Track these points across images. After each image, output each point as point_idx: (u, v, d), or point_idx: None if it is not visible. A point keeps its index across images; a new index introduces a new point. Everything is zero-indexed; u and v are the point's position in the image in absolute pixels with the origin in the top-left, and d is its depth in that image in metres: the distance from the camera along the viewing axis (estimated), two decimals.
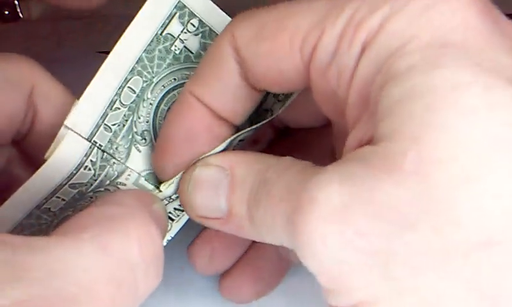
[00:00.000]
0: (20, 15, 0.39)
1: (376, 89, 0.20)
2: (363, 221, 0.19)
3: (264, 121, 0.26)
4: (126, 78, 0.25)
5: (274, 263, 0.31)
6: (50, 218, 0.26)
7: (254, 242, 0.31)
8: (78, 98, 0.24)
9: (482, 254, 0.18)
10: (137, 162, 0.26)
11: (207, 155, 0.25)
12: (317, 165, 0.22)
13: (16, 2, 0.39)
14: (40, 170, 0.23)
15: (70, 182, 0.25)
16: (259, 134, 0.29)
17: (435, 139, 0.18)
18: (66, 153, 0.24)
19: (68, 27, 0.42)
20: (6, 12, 0.38)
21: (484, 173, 0.18)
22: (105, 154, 0.25)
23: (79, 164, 0.24)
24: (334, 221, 0.19)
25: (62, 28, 0.42)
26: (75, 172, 0.24)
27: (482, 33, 0.19)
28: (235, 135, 0.25)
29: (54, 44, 0.43)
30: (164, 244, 0.27)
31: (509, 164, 0.18)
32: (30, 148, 0.28)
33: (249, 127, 0.25)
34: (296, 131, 0.30)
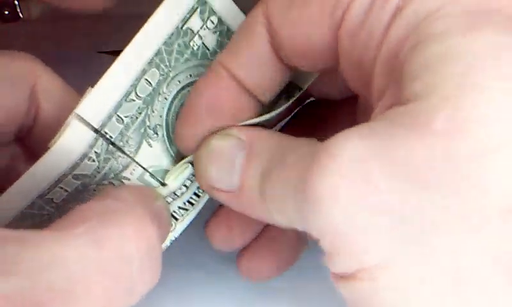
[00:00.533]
0: (20, 15, 0.39)
1: (408, 49, 0.19)
2: (381, 177, 0.18)
3: (288, 103, 0.26)
4: (144, 69, 0.25)
5: (292, 238, 0.30)
6: (52, 209, 0.25)
7: None
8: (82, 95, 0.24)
9: (503, 223, 0.17)
10: (146, 157, 0.26)
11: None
12: None
13: (16, 2, 0.39)
14: (43, 157, 0.23)
15: (73, 173, 0.24)
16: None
17: (472, 100, 0.18)
18: (71, 142, 0.24)
19: (68, 27, 0.42)
20: (6, 12, 0.38)
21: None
22: (110, 146, 0.25)
23: (83, 154, 0.24)
24: (348, 175, 0.19)
25: (62, 28, 0.42)
26: (79, 162, 0.24)
27: None
28: (259, 119, 0.25)
29: (54, 44, 0.43)
30: (168, 244, 0.27)
31: None
32: (33, 145, 0.28)
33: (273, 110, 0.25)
34: (318, 103, 0.30)
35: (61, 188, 0.25)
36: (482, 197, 0.18)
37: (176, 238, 0.27)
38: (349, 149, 0.19)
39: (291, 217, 0.22)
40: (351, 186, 0.19)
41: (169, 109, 0.26)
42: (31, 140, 0.28)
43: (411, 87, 0.19)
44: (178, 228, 0.27)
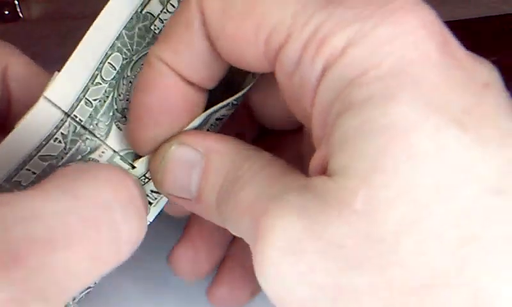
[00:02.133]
0: (20, 15, 0.39)
1: (333, 117, 0.20)
2: (314, 257, 0.19)
3: (238, 95, 0.25)
4: (106, 53, 0.25)
5: None
6: None
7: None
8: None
9: (425, 296, 0.18)
10: (116, 140, 0.26)
11: (185, 129, 0.25)
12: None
13: (16, 2, 0.39)
14: (8, 137, 0.23)
15: (39, 154, 0.24)
16: (244, 128, 0.29)
17: (384, 181, 0.19)
18: (36, 122, 0.24)
19: (68, 27, 0.42)
20: (6, 12, 0.38)
21: (426, 217, 0.18)
22: (78, 128, 0.25)
23: (48, 135, 0.24)
24: (289, 253, 0.20)
25: (62, 28, 0.42)
26: (44, 143, 0.24)
27: (439, 68, 0.19)
28: (212, 110, 0.25)
29: (54, 44, 0.43)
30: (151, 220, 0.27)
31: (450, 208, 0.18)
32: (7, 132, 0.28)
33: (225, 101, 0.25)
34: (274, 132, 0.30)
35: (29, 170, 0.25)
36: (400, 274, 0.18)
37: (151, 223, 0.27)
38: (289, 229, 0.20)
39: (246, 238, 0.22)
40: (291, 263, 0.20)
41: None
42: (6, 127, 0.27)
43: (334, 161, 0.20)
44: (152, 212, 0.27)
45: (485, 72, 0.20)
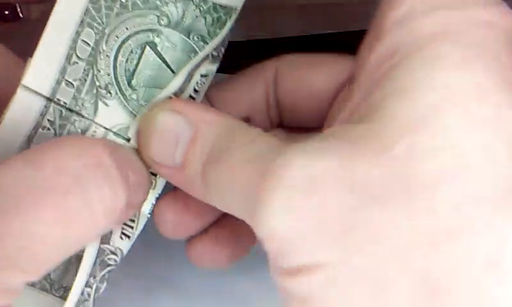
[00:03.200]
0: (20, 15, 0.39)
1: (392, 63, 0.21)
2: (332, 193, 0.19)
3: (217, 43, 0.26)
4: (77, 31, 0.25)
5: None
6: None
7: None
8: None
9: (447, 243, 0.19)
10: (106, 117, 0.26)
11: (170, 84, 0.25)
12: None
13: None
14: None
15: (31, 145, 0.24)
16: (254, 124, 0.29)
17: (432, 132, 0.19)
18: (20, 114, 0.24)
19: None
20: (6, 12, 0.38)
21: (467, 173, 0.19)
22: (64, 112, 0.25)
23: (35, 125, 0.24)
24: (302, 189, 0.20)
25: None
26: (33, 133, 0.24)
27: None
28: (193, 62, 0.25)
29: None
30: (153, 201, 0.27)
31: (493, 172, 0.19)
32: None
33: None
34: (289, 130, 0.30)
35: None
36: (430, 218, 0.19)
37: (160, 195, 0.27)
38: (305, 167, 0.20)
39: (233, 208, 0.22)
40: (304, 199, 0.20)
41: (114, 66, 0.26)
42: None
43: (380, 108, 0.20)
44: (159, 184, 0.27)
45: None
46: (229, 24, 0.26)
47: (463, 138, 0.19)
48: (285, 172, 0.20)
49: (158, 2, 0.25)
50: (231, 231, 0.29)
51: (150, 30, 0.26)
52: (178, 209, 0.28)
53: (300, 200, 0.20)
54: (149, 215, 0.27)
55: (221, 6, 0.26)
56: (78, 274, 0.25)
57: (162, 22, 0.26)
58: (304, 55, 0.28)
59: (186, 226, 0.28)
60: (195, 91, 0.26)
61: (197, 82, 0.26)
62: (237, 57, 0.40)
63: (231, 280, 0.33)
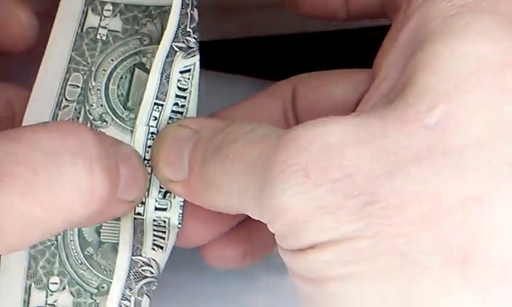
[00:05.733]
0: None
1: (424, 35, 0.21)
2: (356, 162, 0.19)
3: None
4: (65, 78, 0.26)
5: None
6: None
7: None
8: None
9: (467, 215, 0.18)
10: None
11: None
12: None
13: None
14: None
15: None
16: None
17: (466, 103, 0.19)
18: None
19: None
20: None
21: (499, 145, 0.19)
22: None
23: None
24: (319, 159, 0.19)
25: None
26: None
27: None
28: (158, 61, 0.25)
29: None
30: (180, 212, 0.26)
31: None
32: None
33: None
34: None
35: None
36: (457, 187, 0.19)
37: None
38: (323, 134, 0.20)
39: (236, 201, 0.22)
40: (322, 170, 0.19)
41: (106, 96, 0.26)
42: None
43: (410, 82, 0.20)
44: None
45: None
46: (172, 18, 0.26)
47: (494, 108, 0.19)
48: (299, 142, 0.20)
49: (137, 27, 0.27)
50: (246, 233, 0.29)
51: (135, 53, 0.27)
52: (193, 219, 0.27)
53: (317, 172, 0.19)
54: (179, 226, 0.26)
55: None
56: (112, 285, 0.25)
57: (145, 42, 0.27)
58: (321, 73, 0.28)
59: (201, 234, 0.28)
60: (182, 89, 0.26)
61: (179, 80, 0.26)
62: (236, 55, 0.40)
63: (230, 283, 0.32)
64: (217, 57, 0.37)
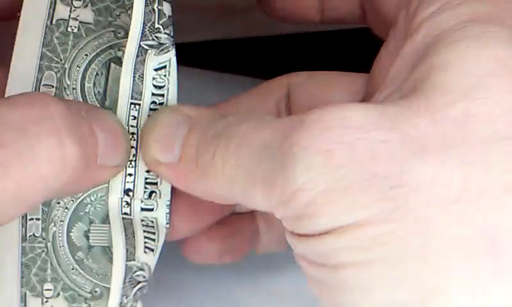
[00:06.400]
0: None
1: (439, 34, 0.21)
2: (382, 146, 0.19)
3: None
4: (37, 78, 0.25)
5: (246, 225, 0.30)
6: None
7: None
8: None
9: (494, 203, 0.19)
10: None
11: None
12: None
13: None
14: None
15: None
16: None
17: (485, 99, 0.19)
18: None
19: None
20: None
21: None
22: None
23: None
24: (342, 140, 0.19)
25: None
26: None
27: None
28: (129, 59, 0.25)
29: None
30: (167, 211, 0.26)
31: None
32: None
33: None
34: None
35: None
36: (485, 175, 0.19)
37: (170, 201, 0.26)
38: (347, 117, 0.20)
39: (235, 187, 0.22)
40: (345, 151, 0.19)
41: (83, 96, 0.26)
42: None
43: (427, 80, 0.20)
44: (163, 191, 0.26)
45: None
46: (135, 17, 0.25)
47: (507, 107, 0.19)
48: (323, 123, 0.20)
49: (110, 19, 0.26)
50: (226, 231, 0.29)
51: (110, 47, 0.26)
52: (174, 214, 0.27)
53: (342, 153, 0.19)
54: (167, 226, 0.26)
55: None
56: (110, 295, 0.24)
57: (119, 35, 0.26)
58: (316, 73, 0.28)
59: (183, 229, 0.28)
60: (158, 87, 0.25)
61: (154, 78, 0.25)
62: (236, 55, 0.40)
63: (227, 282, 0.32)
64: (218, 57, 0.37)
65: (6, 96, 0.24)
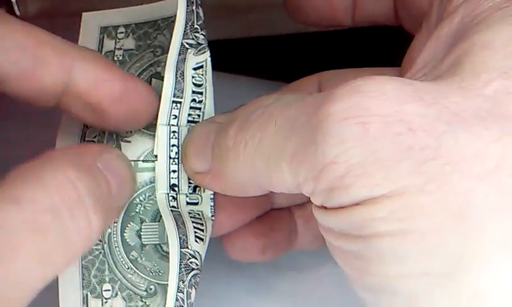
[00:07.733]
0: (17, 12, 0.39)
1: (481, 19, 0.21)
2: (418, 118, 0.19)
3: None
4: None
5: (284, 224, 0.30)
6: None
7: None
8: None
9: None
10: (130, 152, 0.27)
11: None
12: None
13: None
14: None
15: None
16: None
17: None
18: None
19: (64, 24, 0.41)
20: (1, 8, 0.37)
21: None
22: None
23: None
24: (379, 112, 0.19)
25: (59, 25, 0.41)
26: None
27: None
28: (172, 59, 0.26)
29: None
30: (212, 204, 0.27)
31: None
32: None
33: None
34: None
35: None
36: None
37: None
38: (383, 90, 0.19)
39: (260, 170, 0.22)
40: (382, 121, 0.19)
41: None
42: None
43: (464, 59, 0.20)
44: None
45: None
46: (179, 16, 0.26)
47: None
48: (358, 95, 0.19)
49: (149, 41, 0.28)
50: (268, 226, 0.29)
51: (151, 65, 0.28)
52: (218, 209, 0.27)
53: (378, 125, 0.19)
54: (213, 218, 0.27)
55: None
56: (169, 278, 0.25)
57: (157, 53, 0.28)
58: (347, 69, 0.28)
59: (227, 224, 0.28)
60: (197, 85, 0.27)
61: (193, 77, 0.27)
62: (236, 55, 0.40)
63: (231, 281, 0.32)
64: (217, 57, 0.37)
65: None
